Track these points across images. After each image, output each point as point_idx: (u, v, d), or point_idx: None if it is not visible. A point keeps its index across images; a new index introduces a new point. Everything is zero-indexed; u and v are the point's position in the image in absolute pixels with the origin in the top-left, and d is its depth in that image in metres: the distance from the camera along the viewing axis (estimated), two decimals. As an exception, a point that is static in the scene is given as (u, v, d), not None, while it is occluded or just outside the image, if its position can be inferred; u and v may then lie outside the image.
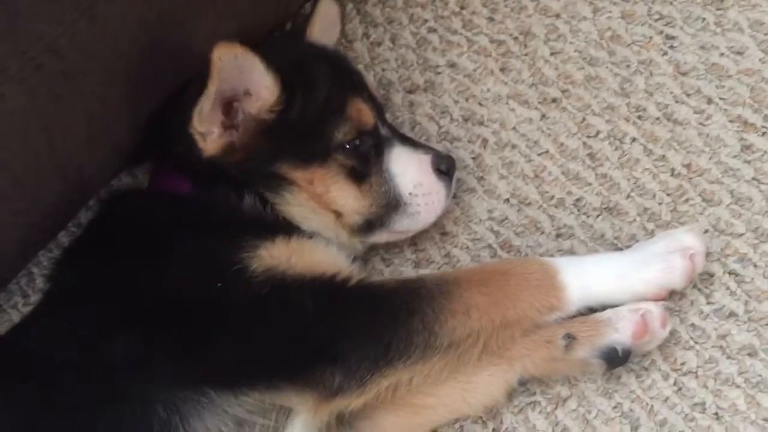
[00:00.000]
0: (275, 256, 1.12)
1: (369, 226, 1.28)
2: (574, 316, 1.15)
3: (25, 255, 1.31)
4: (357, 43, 1.58)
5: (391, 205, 1.27)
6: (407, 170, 1.28)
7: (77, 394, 1.05)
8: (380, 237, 1.31)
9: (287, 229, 1.19)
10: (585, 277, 1.14)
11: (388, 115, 1.48)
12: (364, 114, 1.27)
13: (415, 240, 1.37)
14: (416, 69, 1.52)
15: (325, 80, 1.26)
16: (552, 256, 1.29)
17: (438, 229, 1.37)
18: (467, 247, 1.35)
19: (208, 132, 1.19)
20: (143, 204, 1.21)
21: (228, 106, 1.21)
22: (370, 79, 1.52)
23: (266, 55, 1.19)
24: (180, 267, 1.11)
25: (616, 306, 1.14)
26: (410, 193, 1.27)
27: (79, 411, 1.05)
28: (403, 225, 1.29)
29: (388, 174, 1.27)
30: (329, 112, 1.24)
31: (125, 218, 1.20)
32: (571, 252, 1.29)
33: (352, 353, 1.07)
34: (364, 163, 1.26)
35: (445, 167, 1.29)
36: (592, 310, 1.16)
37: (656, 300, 1.14)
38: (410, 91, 1.50)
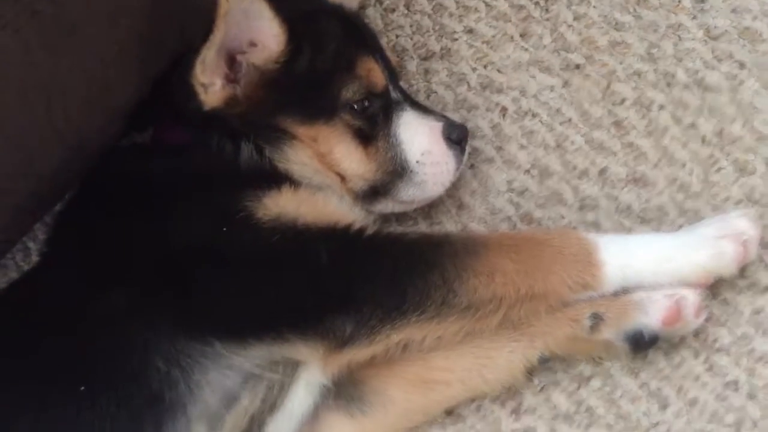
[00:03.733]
0: (282, 205, 1.07)
1: (373, 193, 1.21)
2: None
3: (21, 226, 1.25)
4: (370, 9, 1.50)
5: (397, 172, 1.21)
6: (416, 137, 1.21)
7: (77, 345, 1.00)
8: (385, 206, 1.24)
9: (292, 182, 1.13)
10: (627, 257, 1.07)
11: (402, 83, 1.42)
12: (375, 74, 1.21)
13: (430, 213, 1.31)
14: (432, 35, 1.45)
15: (335, 35, 1.20)
16: (576, 229, 1.23)
17: (454, 201, 1.31)
18: (485, 221, 1.29)
19: (211, 83, 1.14)
20: (142, 157, 1.15)
21: (232, 59, 1.15)
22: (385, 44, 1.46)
23: (276, 4, 1.13)
24: (181, 217, 1.06)
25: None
26: (417, 161, 1.21)
27: (78, 362, 0.99)
28: (409, 194, 1.23)
29: (396, 139, 1.21)
30: (338, 69, 1.18)
31: (124, 171, 1.14)
32: (595, 224, 1.23)
33: (366, 301, 1.02)
34: (372, 126, 1.20)
35: (456, 136, 1.23)
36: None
37: (700, 286, 1.07)
38: (425, 59, 1.43)
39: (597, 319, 1.07)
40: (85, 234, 1.11)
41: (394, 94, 1.24)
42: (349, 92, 1.18)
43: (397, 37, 1.47)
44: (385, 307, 1.02)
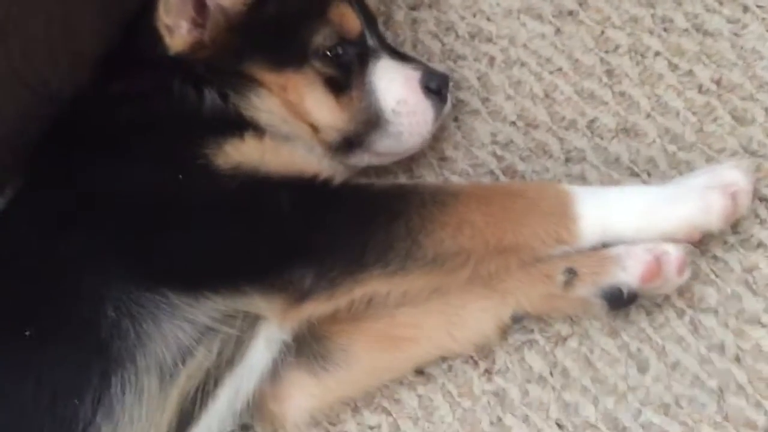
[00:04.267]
0: (244, 152, 1.03)
1: (348, 144, 1.16)
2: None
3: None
4: (359, -43, 1.45)
5: (371, 122, 1.15)
6: (391, 85, 1.15)
7: (27, 288, 0.98)
8: (361, 159, 1.19)
9: (258, 130, 1.08)
10: (605, 210, 1.00)
11: (388, 34, 1.36)
12: (348, 20, 1.15)
13: (411, 166, 1.25)
14: (423, -15, 1.38)
15: None
16: (560, 182, 1.16)
17: (436, 153, 1.25)
18: (467, 173, 1.22)
19: (176, 26, 1.09)
20: (105, 104, 1.12)
21: (200, 4, 1.11)
22: (371, -5, 1.40)
23: None
24: (138, 164, 1.02)
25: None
26: (393, 110, 1.15)
27: (27, 305, 0.97)
28: (385, 146, 1.17)
29: (370, 87, 1.15)
30: (308, 13, 1.13)
31: (86, 118, 1.11)
32: (581, 177, 1.16)
33: (326, 252, 0.97)
34: (345, 74, 1.14)
35: (435, 85, 1.16)
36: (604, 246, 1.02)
37: (686, 242, 1.00)
38: (413, 8, 1.37)
39: (571, 275, 1.01)
40: (46, 178, 1.08)
41: (371, 42, 1.18)
42: (320, 38, 1.13)
43: (387, -13, 1.41)
44: (345, 259, 0.98)
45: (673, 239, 0.99)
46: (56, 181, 1.06)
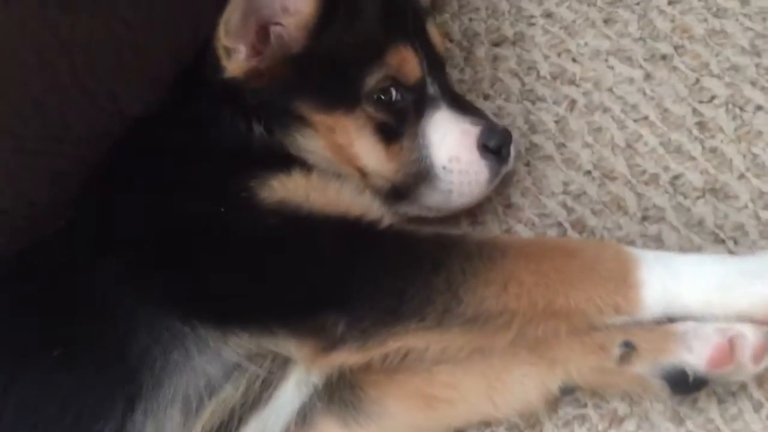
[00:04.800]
0: (291, 189, 0.98)
1: (396, 193, 1.09)
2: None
3: (65, 191, 1.25)
4: (447, -10, 1.40)
5: (420, 175, 1.08)
6: (446, 140, 1.08)
7: (63, 309, 0.96)
8: (410, 209, 1.12)
9: (306, 166, 1.04)
10: (672, 279, 0.89)
11: (467, 70, 1.30)
12: (408, 64, 1.09)
13: (475, 211, 1.17)
14: (507, 19, 1.31)
15: (371, 14, 1.09)
16: (634, 242, 1.05)
17: (502, 199, 1.17)
18: (533, 223, 1.13)
19: (235, 49, 1.07)
20: (161, 127, 1.10)
21: (264, 31, 1.09)
22: (454, 29, 1.34)
23: None
24: (182, 192, 0.99)
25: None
26: (444, 167, 1.08)
27: (61, 324, 0.96)
28: (433, 201, 1.10)
29: (423, 140, 1.08)
30: (365, 54, 1.07)
31: (140, 141, 1.10)
32: (658, 239, 1.04)
33: (361, 300, 0.91)
34: (399, 122, 1.08)
35: (494, 143, 1.08)
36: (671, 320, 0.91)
37: (765, 324, 0.87)
38: (496, 44, 1.30)
39: (629, 349, 0.90)
40: (94, 201, 1.08)
41: (431, 89, 1.11)
42: (374, 81, 1.07)
43: (470, 20, 1.35)
44: (380, 309, 0.91)
45: (752, 320, 0.87)
46: (102, 204, 1.05)
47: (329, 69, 1.08)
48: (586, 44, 1.22)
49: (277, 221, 0.95)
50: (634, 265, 0.90)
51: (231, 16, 1.05)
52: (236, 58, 1.08)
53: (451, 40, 1.34)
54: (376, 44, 1.08)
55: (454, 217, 1.18)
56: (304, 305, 0.93)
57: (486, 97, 1.26)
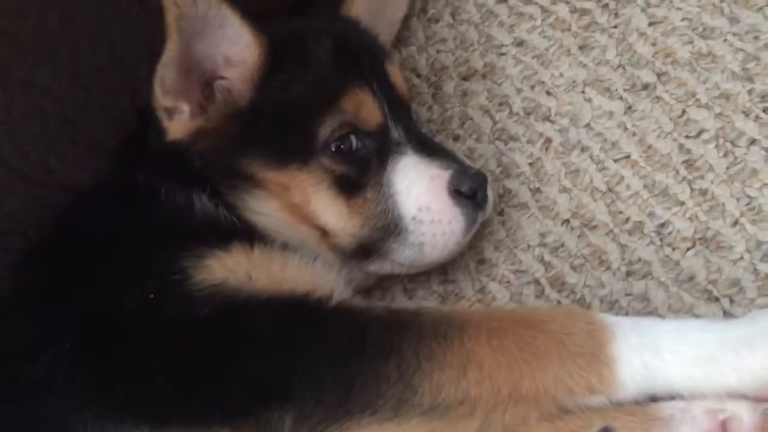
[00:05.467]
0: (230, 267, 0.89)
1: (363, 251, 1.00)
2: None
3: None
4: (413, 19, 1.29)
5: (389, 229, 0.98)
6: (413, 187, 0.98)
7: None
8: (380, 266, 1.02)
9: (252, 237, 0.95)
10: (651, 352, 0.77)
11: (436, 108, 1.20)
12: (366, 108, 0.99)
13: (446, 267, 1.06)
14: (476, 50, 1.20)
15: (321, 58, 1.00)
16: (617, 302, 0.94)
17: (475, 254, 1.06)
18: (508, 281, 1.02)
19: (176, 108, 0.98)
20: (97, 201, 1.02)
21: (208, 86, 1.00)
22: (421, 63, 1.24)
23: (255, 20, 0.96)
24: (110, 276, 0.90)
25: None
26: (413, 218, 0.97)
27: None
28: (405, 256, 0.99)
29: (389, 189, 0.98)
30: (318, 100, 0.98)
31: (74, 218, 1.01)
32: (644, 298, 0.92)
33: (307, 393, 0.81)
34: (361, 172, 0.99)
35: (468, 188, 0.98)
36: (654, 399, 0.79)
37: (759, 401, 0.76)
38: (465, 78, 1.19)
39: (607, 436, 0.79)
40: (26, 286, 1.00)
41: (395, 133, 1.01)
42: (329, 129, 0.97)
43: (438, 52, 1.24)
44: (329, 403, 0.81)
45: (739, 396, 0.75)
46: (30, 290, 0.97)
47: (279, 121, 0.99)
48: (561, 75, 1.11)
49: (212, 310, 0.86)
50: (607, 337, 0.79)
51: (165, 74, 0.96)
52: (179, 119, 0.99)
53: (418, 75, 1.23)
54: (329, 89, 0.99)
55: (424, 275, 1.07)
56: (246, 401, 0.83)
57: (456, 138, 1.16)
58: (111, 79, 1.02)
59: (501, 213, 1.06)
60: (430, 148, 1.02)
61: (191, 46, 0.95)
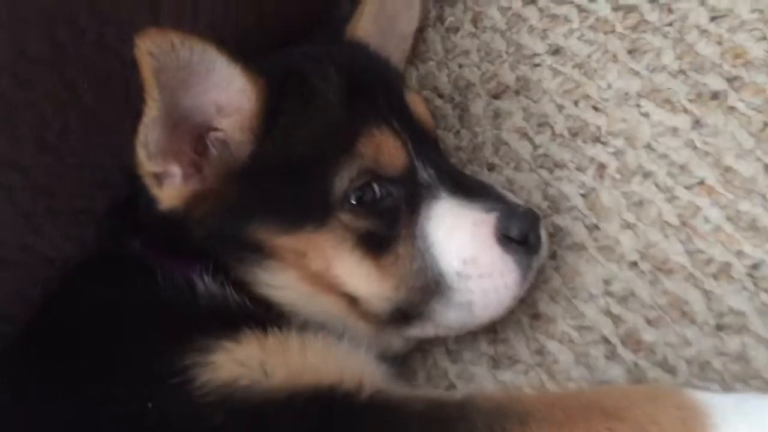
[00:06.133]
0: (241, 361, 0.75)
1: (402, 315, 0.85)
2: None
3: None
4: (429, 30, 1.13)
5: (428, 289, 0.84)
6: (454, 237, 0.83)
7: None
8: (423, 330, 0.88)
9: (265, 319, 0.80)
10: None
11: (464, 133, 1.04)
12: (387, 150, 0.84)
13: (495, 324, 0.91)
14: (506, 61, 1.04)
15: (329, 97, 0.85)
16: (709, 363, 0.78)
17: (527, 308, 0.90)
18: (570, 340, 0.87)
19: (166, 172, 0.84)
20: (74, 283, 0.88)
21: (200, 141, 0.85)
22: (442, 80, 1.08)
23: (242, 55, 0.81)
24: (100, 382, 0.76)
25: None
26: (458, 273, 0.83)
27: None
28: (452, 318, 0.85)
29: (424, 242, 0.83)
30: (330, 147, 0.83)
31: (55, 305, 0.87)
32: (741, 357, 0.77)
33: None
34: (388, 226, 0.84)
35: (519, 231, 0.83)
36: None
37: None
38: (496, 96, 1.03)
39: None
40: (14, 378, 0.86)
41: (424, 174, 0.86)
42: (346, 180, 0.82)
43: (460, 67, 1.08)
44: None
45: None
46: (11, 394, 0.83)
47: (286, 175, 0.84)
48: (609, 86, 0.94)
49: (224, 417, 0.72)
50: (705, 424, 0.64)
51: (148, 136, 0.82)
52: (170, 184, 0.84)
53: (440, 96, 1.08)
54: (342, 132, 0.84)
55: (470, 334, 0.92)
56: None
57: (491, 168, 1.00)
58: (84, 141, 0.87)
59: (554, 256, 0.91)
60: (466, 187, 0.87)
61: (176, 99, 0.80)
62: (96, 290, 0.84)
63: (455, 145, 1.03)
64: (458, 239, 0.83)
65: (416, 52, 1.12)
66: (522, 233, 0.83)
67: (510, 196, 0.88)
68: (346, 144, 0.83)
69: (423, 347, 0.95)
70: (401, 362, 0.94)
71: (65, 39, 0.82)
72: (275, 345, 0.77)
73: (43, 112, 0.81)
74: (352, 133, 0.83)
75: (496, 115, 1.02)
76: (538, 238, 0.85)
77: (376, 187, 0.84)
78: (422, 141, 0.88)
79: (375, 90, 0.88)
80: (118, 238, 0.89)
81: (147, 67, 0.76)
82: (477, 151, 1.01)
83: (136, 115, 0.83)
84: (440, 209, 0.84)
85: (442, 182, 0.86)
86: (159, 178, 0.84)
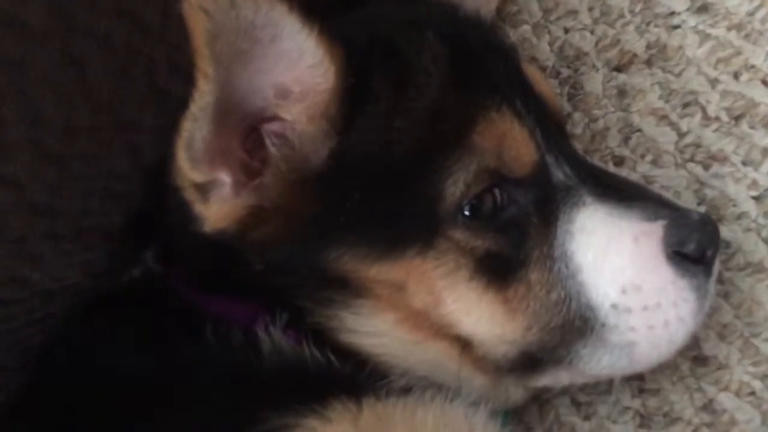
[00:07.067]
0: None
1: (531, 361, 0.64)
2: None
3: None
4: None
5: (572, 327, 0.62)
6: (609, 257, 0.62)
7: None
8: (556, 378, 0.66)
9: (357, 379, 0.60)
10: None
11: (577, 117, 0.82)
12: (512, 142, 0.62)
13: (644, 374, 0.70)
14: (630, 23, 0.81)
15: (432, 71, 0.62)
16: None
17: (687, 349, 0.68)
18: (751, 392, 0.65)
19: (214, 182, 0.61)
20: (85, 332, 0.65)
21: (256, 136, 0.62)
22: (541, 49, 0.85)
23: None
24: None
25: None
26: (614, 306, 0.61)
27: None
28: (602, 363, 0.63)
29: (565, 265, 0.62)
30: (436, 140, 0.61)
31: (59, 366, 0.65)
32: None
33: None
34: (515, 244, 0.62)
35: (696, 247, 0.62)
36: None
37: None
38: (619, 68, 0.80)
39: None
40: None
41: (559, 174, 0.64)
42: (460, 185, 0.60)
43: (566, 31, 0.85)
44: None
45: None
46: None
47: (377, 182, 0.62)
48: (781, 51, 0.72)
49: None
50: None
51: (195, 132, 0.59)
52: (218, 197, 0.61)
53: (541, 69, 0.85)
54: (452, 120, 0.62)
55: (604, 382, 0.71)
56: None
57: (618, 162, 0.78)
58: (93, 142, 0.64)
59: (720, 280, 0.69)
60: (617, 188, 0.65)
61: (233, 78, 0.57)
62: (117, 352, 0.61)
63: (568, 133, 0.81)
64: (615, 260, 0.62)
65: (505, 13, 0.88)
66: (700, 248, 0.62)
67: (675, 201, 0.66)
68: (457, 135, 0.60)
69: (540, 396, 0.74)
70: (513, 416, 0.72)
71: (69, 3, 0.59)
72: (372, 420, 0.55)
73: (40, 104, 0.58)
74: (465, 120, 0.61)
75: (621, 92, 0.79)
76: (715, 255, 0.63)
77: (498, 192, 0.61)
78: (551, 128, 0.66)
79: (488, 61, 0.65)
80: (142, 268, 0.67)
81: (200, 31, 0.53)
82: (598, 140, 0.79)
83: (163, 105, 0.61)
84: (587, 220, 0.62)
85: (583, 183, 0.64)
86: (203, 189, 0.62)
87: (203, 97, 0.57)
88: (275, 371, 0.58)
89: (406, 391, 0.60)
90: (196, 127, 0.58)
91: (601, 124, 0.80)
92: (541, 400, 0.73)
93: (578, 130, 0.81)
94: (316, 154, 0.62)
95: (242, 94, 0.60)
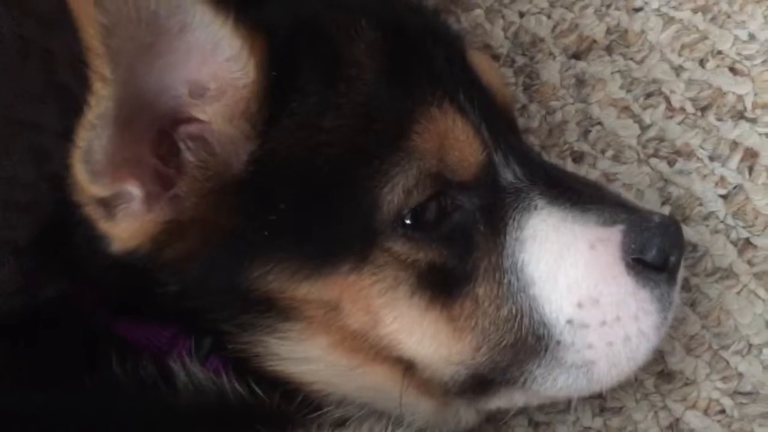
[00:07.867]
0: None
1: (481, 383, 0.58)
2: None
3: None
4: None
5: (525, 346, 0.57)
6: (563, 268, 0.56)
7: None
8: (510, 400, 0.61)
9: (285, 413, 0.53)
10: None
11: (533, 109, 0.76)
12: (456, 142, 0.56)
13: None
14: (589, 5, 0.75)
15: (366, 63, 0.55)
16: None
17: (650, 364, 0.63)
18: (720, 410, 0.60)
19: (119, 196, 0.54)
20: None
21: (168, 141, 0.55)
22: (495, 35, 0.78)
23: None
24: None
25: None
26: (569, 322, 0.56)
27: None
28: (558, 384, 0.58)
29: (516, 277, 0.56)
30: (372, 141, 0.54)
31: None
32: None
33: None
34: (460, 255, 0.56)
35: (656, 254, 0.56)
36: None
37: None
38: (577, 55, 0.74)
39: None
40: None
41: (508, 175, 0.58)
42: (398, 192, 0.54)
43: (521, 16, 0.79)
44: None
45: None
46: None
47: (306, 189, 0.55)
48: (751, 37, 0.66)
49: None
50: None
51: (92, 141, 0.51)
52: (126, 212, 0.54)
53: (494, 57, 0.78)
54: (388, 118, 0.55)
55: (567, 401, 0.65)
56: None
57: (578, 158, 0.72)
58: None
59: (686, 287, 0.63)
60: (571, 189, 0.59)
61: (135, 78, 0.50)
62: (7, 388, 0.54)
63: (522, 126, 0.74)
64: (569, 271, 0.56)
65: (456, -3, 0.82)
66: (662, 254, 0.56)
67: (634, 201, 0.60)
68: (395, 135, 0.54)
69: (495, 417, 0.68)
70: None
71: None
72: None
73: None
74: (403, 118, 0.54)
75: (580, 82, 0.73)
76: (679, 261, 0.58)
77: (442, 198, 0.55)
78: (499, 124, 0.60)
79: (428, 50, 0.58)
80: (60, 288, 0.60)
81: (92, 25, 0.46)
82: (556, 134, 0.73)
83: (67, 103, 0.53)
84: (538, 226, 0.57)
85: (535, 184, 0.58)
86: (108, 205, 0.55)
87: (101, 102, 0.50)
88: (190, 408, 0.51)
89: (342, 423, 0.54)
90: (94, 135, 0.51)
91: (558, 116, 0.74)
92: (496, 421, 0.67)
93: (534, 124, 0.75)
94: (236, 158, 0.55)
95: (151, 94, 0.53)
